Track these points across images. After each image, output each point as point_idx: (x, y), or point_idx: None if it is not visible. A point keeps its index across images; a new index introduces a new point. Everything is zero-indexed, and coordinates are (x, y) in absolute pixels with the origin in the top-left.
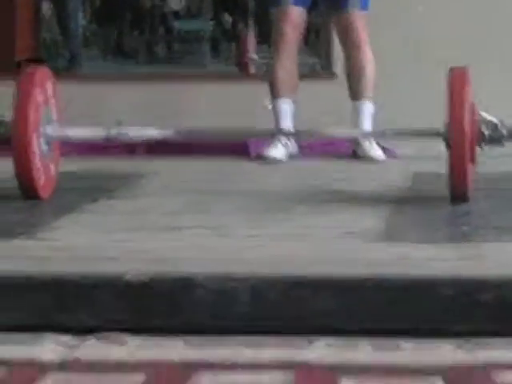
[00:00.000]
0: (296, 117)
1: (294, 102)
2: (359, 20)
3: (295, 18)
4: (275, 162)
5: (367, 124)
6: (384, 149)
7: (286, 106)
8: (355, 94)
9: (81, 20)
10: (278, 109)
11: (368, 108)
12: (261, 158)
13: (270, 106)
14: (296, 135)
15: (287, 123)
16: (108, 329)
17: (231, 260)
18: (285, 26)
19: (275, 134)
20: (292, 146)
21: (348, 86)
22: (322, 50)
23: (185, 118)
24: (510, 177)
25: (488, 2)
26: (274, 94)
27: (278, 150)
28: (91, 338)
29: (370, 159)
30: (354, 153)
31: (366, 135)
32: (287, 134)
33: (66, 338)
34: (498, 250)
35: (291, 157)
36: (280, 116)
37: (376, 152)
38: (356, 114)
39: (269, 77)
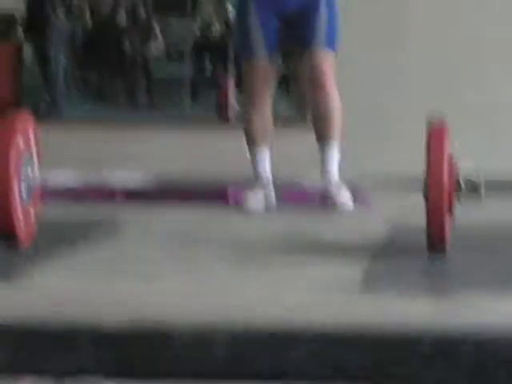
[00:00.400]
0: (273, 164)
1: (270, 149)
2: (325, 60)
3: (264, 70)
4: (252, 212)
5: (334, 166)
6: (360, 197)
7: (261, 155)
8: (321, 135)
9: (63, 64)
10: (254, 158)
11: (334, 150)
12: (239, 207)
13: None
14: (272, 184)
15: (264, 172)
16: (86, 373)
17: (211, 309)
18: (254, 79)
19: (253, 182)
20: (270, 195)
21: (314, 128)
22: (300, 96)
23: (165, 162)
24: (487, 228)
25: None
26: (249, 144)
27: (255, 201)
28: (69, 381)
29: (339, 207)
30: (323, 199)
31: (340, 185)
32: (264, 184)
33: (45, 382)
34: (473, 304)
35: (268, 207)
36: (257, 165)
37: (344, 198)
38: (322, 156)
39: (243, 127)
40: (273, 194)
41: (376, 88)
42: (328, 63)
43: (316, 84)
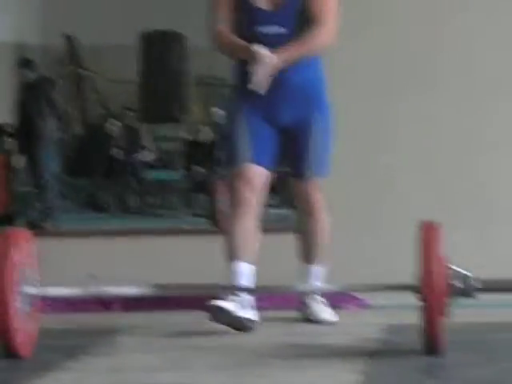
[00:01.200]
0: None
1: (253, 264)
2: (316, 187)
3: (253, 177)
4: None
5: (315, 284)
6: (356, 299)
7: (242, 270)
8: (305, 257)
9: (54, 171)
10: (234, 273)
11: (317, 272)
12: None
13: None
14: (255, 292)
15: (245, 279)
16: None
17: None
18: (238, 185)
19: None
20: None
21: (299, 246)
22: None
23: (158, 271)
24: (482, 328)
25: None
26: (231, 258)
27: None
28: None
29: (322, 322)
30: (303, 315)
31: (332, 289)
32: (249, 292)
33: None
34: None
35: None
36: (236, 276)
37: (326, 314)
38: (304, 277)
39: (225, 239)
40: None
41: (367, 198)
42: (319, 187)
43: (306, 210)
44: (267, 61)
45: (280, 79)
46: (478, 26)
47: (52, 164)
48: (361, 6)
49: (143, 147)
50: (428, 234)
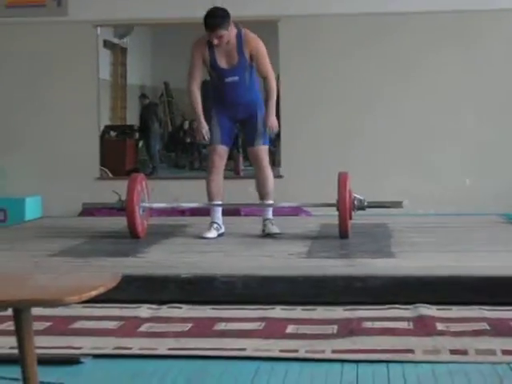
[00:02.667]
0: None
1: (221, 201)
2: (262, 151)
3: (221, 152)
4: (208, 238)
5: (270, 212)
6: (305, 211)
7: (216, 204)
8: (261, 196)
9: (158, 149)
10: (211, 208)
11: (269, 203)
12: (201, 237)
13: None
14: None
15: (218, 215)
16: (173, 301)
17: None
18: (213, 157)
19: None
20: (220, 231)
21: (257, 190)
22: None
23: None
24: (368, 226)
25: None
26: (209, 199)
27: (211, 233)
28: (164, 306)
29: (272, 234)
30: (263, 231)
31: (272, 222)
32: (217, 225)
33: (152, 306)
34: (363, 262)
35: (220, 235)
36: (213, 211)
37: (275, 229)
38: (263, 206)
39: (206, 187)
40: (222, 230)
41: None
42: (265, 153)
43: (258, 166)
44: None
45: (238, 99)
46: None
47: (156, 145)
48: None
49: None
50: (342, 177)
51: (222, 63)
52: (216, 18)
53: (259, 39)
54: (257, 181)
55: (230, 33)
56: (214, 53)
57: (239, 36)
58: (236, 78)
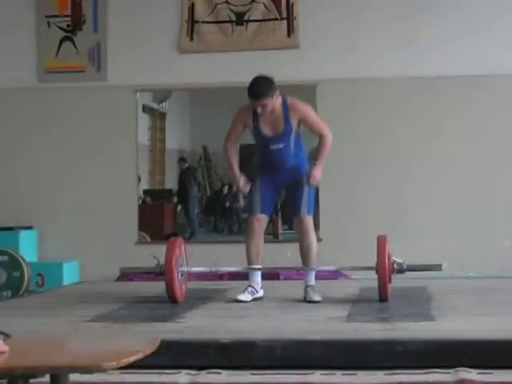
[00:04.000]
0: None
1: (260, 265)
2: (308, 222)
3: (260, 218)
4: (242, 301)
5: (311, 277)
6: (345, 275)
7: (254, 267)
8: (304, 262)
9: (196, 213)
10: (250, 271)
11: (311, 271)
12: (235, 300)
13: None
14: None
15: (255, 278)
16: (212, 367)
17: None
18: (253, 221)
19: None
20: (260, 293)
21: (300, 255)
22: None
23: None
24: (408, 289)
25: None
26: (248, 262)
27: (245, 296)
28: (204, 372)
29: (313, 302)
30: (304, 298)
31: (314, 289)
32: (254, 289)
33: (191, 372)
34: (404, 325)
35: (256, 299)
36: (251, 275)
37: (316, 297)
38: (307, 274)
39: (246, 251)
40: (259, 294)
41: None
42: (309, 223)
43: (302, 236)
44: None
45: (283, 165)
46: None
47: (195, 209)
48: None
49: (239, 200)
50: (381, 241)
51: (267, 131)
52: (260, 87)
53: (303, 103)
54: (301, 247)
55: (274, 101)
56: (259, 121)
57: (284, 104)
58: (281, 146)
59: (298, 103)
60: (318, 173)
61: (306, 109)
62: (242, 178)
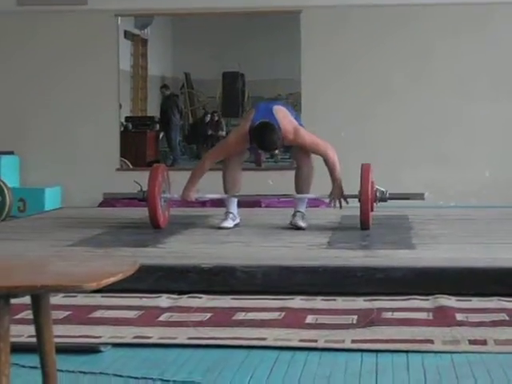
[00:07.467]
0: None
1: (238, 192)
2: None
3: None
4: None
5: (304, 206)
6: (326, 203)
7: (230, 198)
8: (298, 190)
9: (178, 141)
10: (227, 199)
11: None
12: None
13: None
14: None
15: (233, 205)
16: (193, 291)
17: None
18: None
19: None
20: (238, 219)
21: (295, 182)
22: None
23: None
24: (390, 218)
25: None
26: (225, 191)
27: (227, 222)
28: (185, 296)
29: (298, 227)
30: (290, 222)
31: (303, 216)
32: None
33: (172, 296)
34: (384, 253)
35: (236, 225)
36: (228, 202)
37: (300, 224)
38: (298, 201)
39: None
40: (238, 220)
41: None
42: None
43: (298, 164)
44: None
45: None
46: None
47: (177, 137)
48: None
49: (222, 128)
50: (365, 169)
51: (263, 153)
52: (271, 142)
53: (296, 128)
54: (296, 176)
55: None
56: (256, 148)
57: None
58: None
59: (290, 132)
60: (337, 192)
61: (299, 134)
62: (193, 190)
